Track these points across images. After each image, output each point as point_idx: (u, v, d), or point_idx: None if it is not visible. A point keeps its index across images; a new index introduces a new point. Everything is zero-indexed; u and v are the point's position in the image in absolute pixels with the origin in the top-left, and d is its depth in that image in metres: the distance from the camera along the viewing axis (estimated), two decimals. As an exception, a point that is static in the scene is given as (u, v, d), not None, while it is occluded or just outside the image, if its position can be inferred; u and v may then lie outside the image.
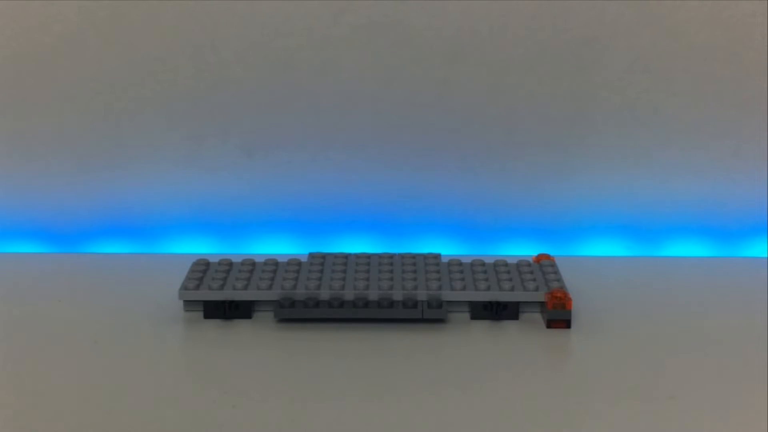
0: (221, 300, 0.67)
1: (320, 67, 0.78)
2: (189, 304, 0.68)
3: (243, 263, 0.71)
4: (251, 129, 0.80)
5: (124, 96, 0.79)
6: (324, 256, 0.73)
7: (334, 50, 0.78)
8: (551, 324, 0.67)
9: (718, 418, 0.56)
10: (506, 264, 0.71)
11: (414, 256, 0.73)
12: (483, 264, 0.71)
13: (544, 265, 0.70)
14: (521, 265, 0.70)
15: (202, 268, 0.70)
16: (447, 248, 0.80)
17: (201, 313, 0.68)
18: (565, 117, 0.79)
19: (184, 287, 0.68)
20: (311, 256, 0.73)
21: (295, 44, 0.78)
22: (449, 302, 0.67)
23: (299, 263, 0.71)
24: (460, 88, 0.79)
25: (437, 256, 0.72)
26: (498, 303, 0.67)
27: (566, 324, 0.67)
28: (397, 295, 0.66)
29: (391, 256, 0.73)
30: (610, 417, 0.57)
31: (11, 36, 0.78)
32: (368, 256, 0.73)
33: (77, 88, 0.79)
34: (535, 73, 0.78)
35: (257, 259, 0.72)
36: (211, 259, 0.72)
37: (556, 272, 0.69)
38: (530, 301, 0.67)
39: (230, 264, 0.71)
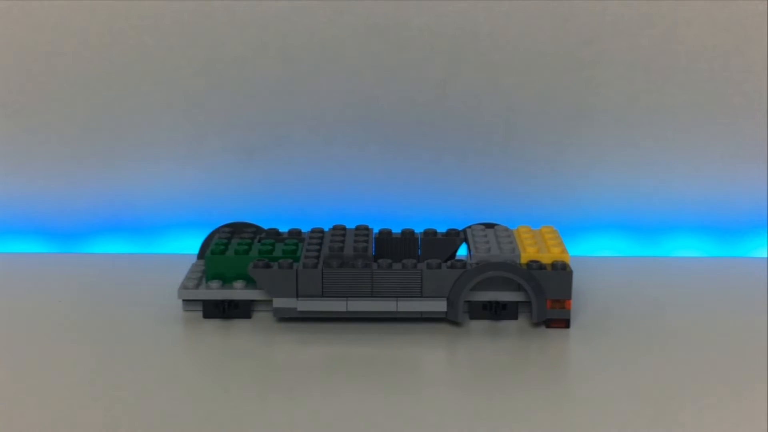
0: (220, 299, 0.67)
1: (320, 67, 0.78)
2: (188, 304, 0.68)
3: None
4: (251, 129, 0.80)
5: (124, 96, 0.79)
6: None
7: (334, 50, 0.78)
8: (550, 323, 0.67)
9: (718, 418, 0.56)
10: None
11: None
12: None
13: None
14: None
15: (201, 268, 0.70)
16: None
17: (200, 313, 0.68)
18: (565, 117, 0.79)
19: (184, 286, 0.68)
20: None
21: (295, 44, 0.78)
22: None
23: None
24: (460, 88, 0.79)
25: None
26: (497, 303, 0.67)
27: (565, 324, 0.67)
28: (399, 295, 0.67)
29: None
30: (609, 417, 0.57)
31: (11, 36, 0.78)
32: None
33: (77, 87, 0.79)
34: (535, 73, 0.78)
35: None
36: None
37: None
38: (530, 301, 0.67)
39: None
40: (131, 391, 0.59)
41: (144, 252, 0.82)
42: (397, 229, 0.73)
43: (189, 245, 0.81)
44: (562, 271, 0.66)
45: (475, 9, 0.77)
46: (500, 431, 0.55)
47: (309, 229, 0.73)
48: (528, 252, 0.67)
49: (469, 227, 0.72)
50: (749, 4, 0.77)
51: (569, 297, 0.66)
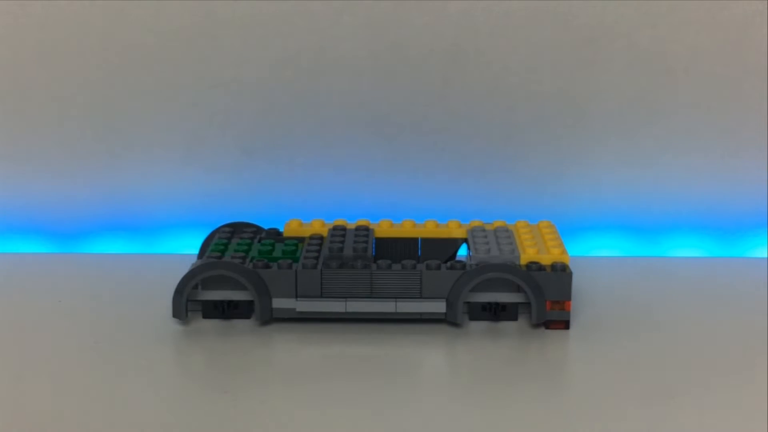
0: (220, 300, 0.67)
1: (320, 67, 0.78)
2: (188, 304, 0.68)
3: None
4: (251, 129, 0.80)
5: (124, 96, 0.79)
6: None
7: (334, 50, 0.78)
8: (550, 325, 0.67)
9: (718, 418, 0.56)
10: None
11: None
12: None
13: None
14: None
15: None
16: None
17: (200, 313, 0.68)
18: (565, 117, 0.79)
19: None
20: None
21: (295, 44, 0.78)
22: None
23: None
24: (460, 88, 0.79)
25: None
26: (497, 304, 0.67)
27: (565, 325, 0.67)
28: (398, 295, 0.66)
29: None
30: (609, 418, 0.57)
31: (11, 36, 0.78)
32: None
33: (77, 87, 0.79)
34: (535, 73, 0.78)
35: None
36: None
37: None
38: (529, 302, 0.67)
39: None
40: (131, 391, 0.59)
41: (144, 252, 0.82)
42: (397, 229, 0.73)
43: (189, 245, 0.81)
44: (561, 272, 0.66)
45: (475, 9, 0.77)
46: (499, 432, 0.55)
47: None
48: (528, 253, 0.67)
49: (469, 227, 0.72)
50: (749, 4, 0.77)
51: (569, 298, 0.66)
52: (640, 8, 0.77)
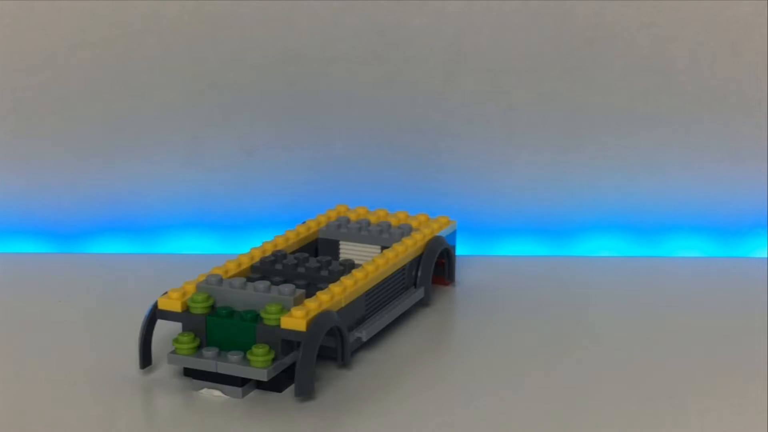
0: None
1: (320, 67, 0.78)
2: None
3: None
4: (251, 129, 0.80)
5: (124, 96, 0.79)
6: None
7: (334, 50, 0.78)
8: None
9: (718, 418, 0.56)
10: None
11: None
12: None
13: None
14: None
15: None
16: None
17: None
18: (565, 117, 0.79)
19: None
20: None
21: (295, 44, 0.78)
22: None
23: None
24: (460, 88, 0.79)
25: None
26: None
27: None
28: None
29: None
30: (610, 418, 0.57)
31: (11, 36, 0.78)
32: None
33: (77, 87, 0.79)
34: (535, 73, 0.78)
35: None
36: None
37: None
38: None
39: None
40: (130, 391, 0.59)
41: (144, 252, 0.82)
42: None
43: (189, 245, 0.81)
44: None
45: (475, 9, 0.77)
46: (500, 432, 0.55)
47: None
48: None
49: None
50: (749, 4, 0.77)
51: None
52: (640, 8, 0.77)
